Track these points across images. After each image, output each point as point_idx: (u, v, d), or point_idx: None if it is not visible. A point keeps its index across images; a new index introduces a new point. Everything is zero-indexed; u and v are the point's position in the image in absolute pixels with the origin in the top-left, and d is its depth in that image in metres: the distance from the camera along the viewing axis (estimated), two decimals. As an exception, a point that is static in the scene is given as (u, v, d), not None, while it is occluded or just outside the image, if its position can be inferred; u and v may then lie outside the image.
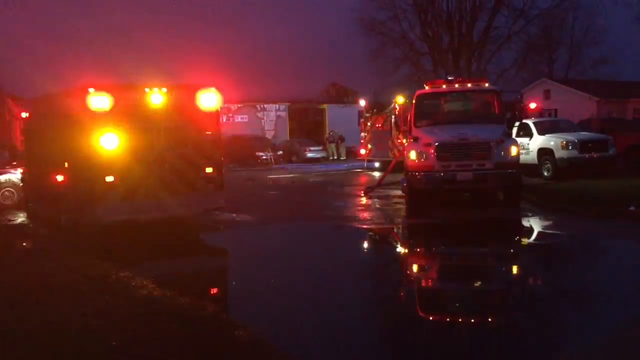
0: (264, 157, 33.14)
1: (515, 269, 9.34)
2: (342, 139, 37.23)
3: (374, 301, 7.46)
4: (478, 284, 8.31)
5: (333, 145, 37.47)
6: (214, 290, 8.35)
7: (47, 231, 12.29)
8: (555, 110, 37.29)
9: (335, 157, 36.64)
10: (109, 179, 10.31)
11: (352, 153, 34.27)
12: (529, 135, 18.98)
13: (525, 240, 11.25)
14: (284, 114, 41.98)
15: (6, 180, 16.75)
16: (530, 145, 18.79)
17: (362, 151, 26.33)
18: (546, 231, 11.73)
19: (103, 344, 5.29)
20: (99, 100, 10.16)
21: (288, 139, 39.61)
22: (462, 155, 12.60)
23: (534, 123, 19.44)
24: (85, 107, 10.22)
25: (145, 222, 10.71)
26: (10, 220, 14.51)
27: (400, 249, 11.11)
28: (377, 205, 15.09)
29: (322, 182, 22.07)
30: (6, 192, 16.77)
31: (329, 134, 38.74)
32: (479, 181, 12.59)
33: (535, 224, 12.20)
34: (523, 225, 12.20)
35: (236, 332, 5.53)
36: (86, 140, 10.36)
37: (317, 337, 5.98)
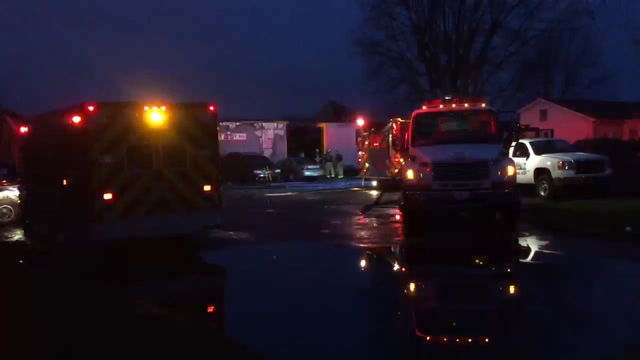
0: (261, 175, 33.19)
1: (511, 289, 9.32)
2: (339, 157, 37.35)
3: (371, 320, 7.44)
4: (474, 304, 8.29)
5: (330, 164, 37.61)
6: (212, 309, 8.32)
7: (44, 249, 12.26)
8: (552, 130, 37.46)
9: (333, 176, 36.72)
10: (107, 196, 10.32)
11: (350, 172, 34.38)
12: (526, 155, 19.08)
13: (522, 260, 11.25)
14: (282, 132, 42.13)
15: (4, 197, 16.76)
16: (526, 165, 18.87)
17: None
18: (543, 251, 11.73)
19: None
20: (98, 118, 10.22)
21: (286, 157, 39.72)
22: (459, 175, 12.64)
23: (530, 143, 19.55)
24: (84, 125, 10.27)
25: (143, 240, 10.69)
26: (7, 238, 14.47)
27: (396, 268, 11.10)
28: (374, 224, 15.08)
29: (319, 201, 22.08)
30: (4, 210, 16.77)
31: (327, 152, 38.87)
32: (476, 200, 12.60)
33: (532, 244, 12.20)
34: (520, 245, 12.20)
35: (234, 352, 5.50)
36: (84, 158, 10.38)
37: (315, 357, 5.96)
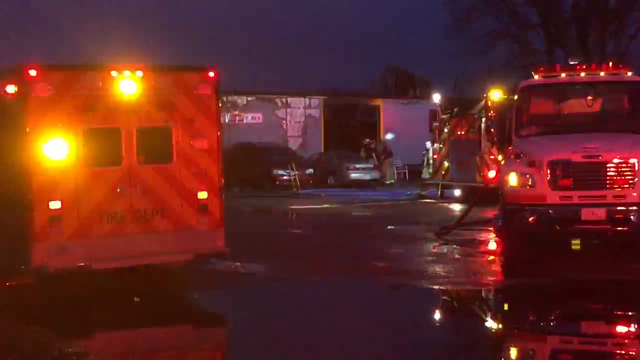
0: (285, 177, 33.36)
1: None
2: (389, 153, 37.02)
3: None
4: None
5: (385, 162, 37.55)
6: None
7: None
8: None
9: (392, 181, 36.66)
10: (54, 205, 10.48)
11: (416, 174, 34.23)
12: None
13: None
14: (316, 112, 42.12)
15: None
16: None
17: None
18: None
19: None
20: (44, 88, 10.38)
21: (322, 150, 39.79)
22: (590, 182, 12.54)
23: None
24: (22, 98, 10.45)
25: (107, 272, 10.85)
26: None
27: (490, 325, 11.01)
28: (456, 255, 15.01)
29: (371, 218, 22.10)
30: None
31: (367, 142, 38.75)
32: (617, 222, 12.48)
33: None
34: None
35: None
36: (22, 148, 10.57)
37: None
